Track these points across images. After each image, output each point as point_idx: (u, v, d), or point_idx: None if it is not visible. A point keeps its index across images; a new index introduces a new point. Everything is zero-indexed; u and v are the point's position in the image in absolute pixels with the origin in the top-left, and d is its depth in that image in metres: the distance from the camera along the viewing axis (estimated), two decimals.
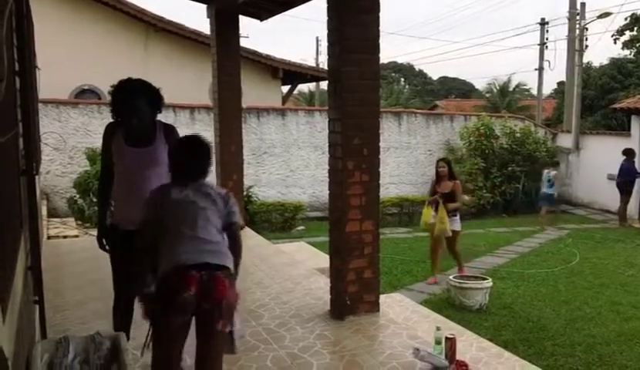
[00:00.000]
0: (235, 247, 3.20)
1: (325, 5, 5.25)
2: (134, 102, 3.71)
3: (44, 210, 10.43)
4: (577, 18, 20.56)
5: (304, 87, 33.09)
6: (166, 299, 2.91)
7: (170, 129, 3.94)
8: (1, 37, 1.75)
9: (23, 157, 3.63)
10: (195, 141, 3.34)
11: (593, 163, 16.53)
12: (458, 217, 8.47)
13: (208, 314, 2.95)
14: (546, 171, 14.52)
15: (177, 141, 3.55)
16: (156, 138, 3.83)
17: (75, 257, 7.54)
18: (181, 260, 2.96)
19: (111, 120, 3.90)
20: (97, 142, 11.93)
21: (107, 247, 3.94)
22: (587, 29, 19.79)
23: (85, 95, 15.07)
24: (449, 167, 8.41)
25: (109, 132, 3.87)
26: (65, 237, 9.45)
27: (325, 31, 5.29)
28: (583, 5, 20.57)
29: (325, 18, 5.26)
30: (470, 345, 4.68)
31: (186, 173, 3.25)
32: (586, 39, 19.67)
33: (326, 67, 5.56)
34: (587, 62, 23.07)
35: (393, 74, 47.98)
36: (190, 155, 3.28)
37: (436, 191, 8.34)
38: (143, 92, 3.77)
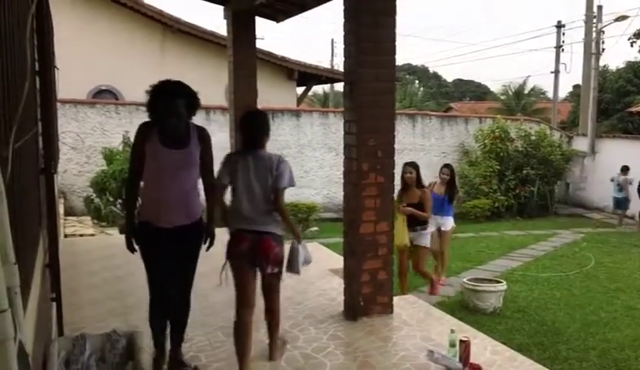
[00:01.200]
0: (278, 211, 4.07)
1: (342, 7, 5.27)
2: (174, 102, 3.70)
3: (61, 209, 10.53)
4: (594, 21, 20.42)
5: (318, 89, 33.11)
6: (230, 250, 4.06)
7: (203, 132, 3.93)
8: (25, 38, 1.78)
9: (42, 156, 3.68)
10: (251, 115, 4.30)
11: (609, 167, 16.40)
12: (428, 231, 7.41)
13: (259, 262, 4.03)
14: (615, 175, 14.68)
15: (242, 115, 4.31)
16: (191, 140, 3.82)
17: (92, 256, 7.60)
18: (240, 226, 4.05)
19: (146, 120, 3.86)
20: (114, 142, 12.15)
21: (136, 248, 3.93)
22: (603, 32, 19.67)
23: (102, 95, 15.19)
24: (417, 173, 7.37)
25: (143, 133, 3.81)
26: (81, 235, 9.54)
27: (341, 33, 5.30)
28: (600, 7, 20.44)
29: (341, 19, 5.28)
30: (484, 348, 4.66)
31: (247, 143, 4.12)
32: (602, 42, 19.54)
33: (341, 69, 5.57)
34: (604, 66, 22.97)
35: (408, 76, 47.88)
36: (249, 127, 4.15)
37: (401, 201, 7.19)
38: (182, 93, 3.76)
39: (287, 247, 4.22)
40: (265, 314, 4.33)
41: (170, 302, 3.97)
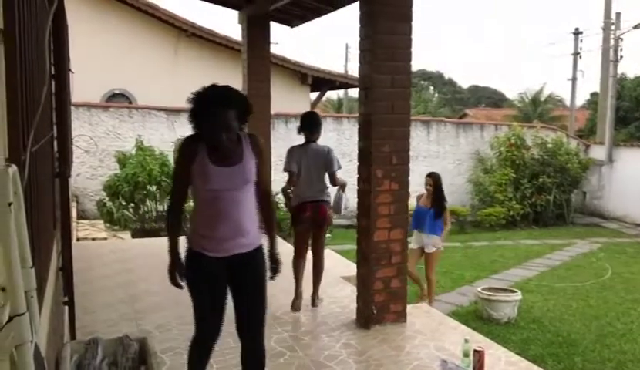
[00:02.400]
0: (335, 185, 5.73)
1: (357, 12, 5.25)
2: (224, 114, 3.13)
3: (74, 212, 10.58)
4: (612, 28, 20.28)
5: (332, 94, 33.15)
6: (296, 217, 5.64)
7: (256, 141, 3.40)
8: (44, 42, 1.78)
9: (57, 159, 3.69)
10: (306, 117, 5.85)
11: (626, 176, 16.23)
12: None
13: (317, 223, 5.64)
14: None
15: (303, 114, 5.50)
16: (244, 153, 3.27)
17: (104, 260, 7.62)
18: (303, 198, 5.60)
19: (190, 134, 3.30)
20: (127, 146, 12.20)
21: (182, 284, 3.36)
22: (622, 39, 19.50)
23: (116, 99, 15.27)
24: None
25: (189, 149, 3.22)
26: (93, 239, 9.57)
27: (355, 38, 5.29)
28: (618, 14, 20.31)
29: (356, 25, 5.26)
30: (499, 359, 4.60)
31: (307, 137, 5.66)
32: (620, 50, 19.38)
33: (355, 74, 5.59)
34: (622, 73, 22.73)
35: (422, 82, 47.79)
36: (306, 125, 5.67)
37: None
38: (233, 102, 3.19)
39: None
40: (313, 268, 5.81)
41: (215, 342, 3.47)
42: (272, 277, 3.48)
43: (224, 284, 3.35)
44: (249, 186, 3.27)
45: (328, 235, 5.90)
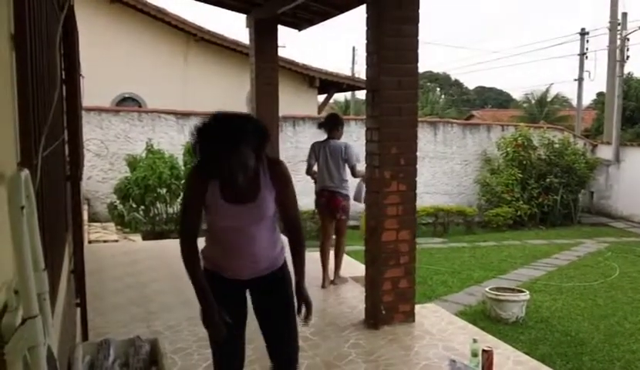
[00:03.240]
0: (354, 175, 6.54)
1: (364, 15, 5.28)
2: (238, 155, 2.70)
3: (85, 215, 10.66)
4: (619, 28, 20.19)
5: (340, 96, 33.15)
6: (316, 201, 6.60)
7: (276, 170, 2.96)
8: (55, 47, 1.81)
9: (68, 163, 3.73)
10: (328, 116, 6.94)
11: (634, 176, 16.16)
12: None
13: (331, 211, 6.45)
14: None
15: (327, 115, 6.52)
16: (261, 187, 2.90)
17: (115, 262, 7.68)
18: (322, 186, 6.47)
19: (199, 163, 2.92)
20: (137, 149, 12.26)
21: (229, 320, 2.97)
22: (628, 39, 19.41)
23: (126, 103, 15.37)
24: None
25: (199, 182, 2.88)
26: (105, 241, 9.64)
27: (362, 41, 5.32)
28: (624, 15, 20.20)
29: (363, 27, 5.29)
30: (507, 359, 4.62)
31: (327, 134, 6.51)
32: (627, 50, 19.29)
33: (362, 76, 5.61)
34: (628, 73, 22.59)
35: (429, 83, 47.71)
36: (326, 125, 6.58)
37: None
38: (248, 138, 2.72)
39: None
40: (334, 251, 6.65)
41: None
42: (305, 319, 3.06)
43: (242, 306, 3.13)
44: (266, 220, 2.96)
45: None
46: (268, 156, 2.95)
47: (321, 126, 6.69)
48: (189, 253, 2.91)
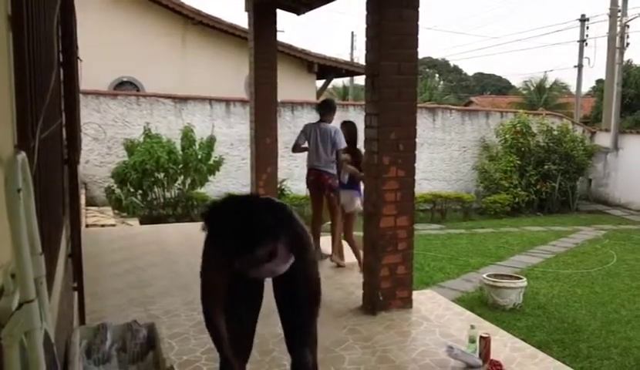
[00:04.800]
0: (337, 162, 6.64)
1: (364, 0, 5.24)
2: (256, 256, 2.52)
3: (82, 199, 10.63)
4: (619, 15, 20.10)
5: (338, 82, 33.01)
6: (306, 180, 7.01)
7: (295, 244, 2.77)
8: (52, 29, 1.78)
9: (66, 147, 3.71)
10: (321, 102, 7.34)
11: (632, 163, 16.17)
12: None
13: (319, 188, 6.82)
14: None
15: (321, 100, 6.59)
16: (276, 266, 2.81)
17: (113, 246, 7.67)
18: (311, 166, 6.86)
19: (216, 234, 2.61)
20: (135, 133, 12.23)
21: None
22: (628, 26, 19.33)
23: (124, 87, 15.30)
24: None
25: (219, 258, 2.63)
26: (102, 225, 9.62)
27: (361, 26, 5.28)
28: (625, 1, 20.10)
29: (362, 12, 5.25)
30: (504, 345, 4.63)
31: (320, 117, 6.87)
32: (627, 37, 19.22)
33: (361, 62, 5.58)
34: (628, 60, 22.53)
35: (428, 69, 47.58)
36: (320, 108, 7.09)
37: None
38: (267, 236, 2.47)
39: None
40: (331, 230, 7.00)
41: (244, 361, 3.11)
42: None
43: (258, 292, 3.10)
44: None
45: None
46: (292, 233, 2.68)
47: (317, 109, 7.20)
48: (213, 326, 2.72)
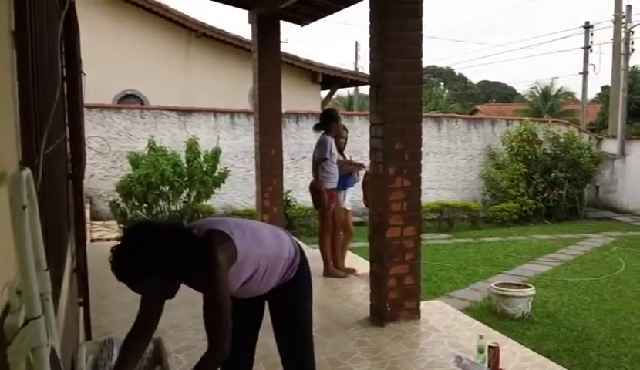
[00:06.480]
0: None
1: (367, 10, 5.24)
2: (134, 287, 2.69)
3: (87, 213, 10.64)
4: (623, 21, 20.10)
5: (343, 92, 33.10)
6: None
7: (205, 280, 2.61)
8: (56, 44, 1.78)
9: (70, 161, 3.71)
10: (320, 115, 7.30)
11: (639, 169, 16.10)
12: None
13: (314, 202, 6.93)
14: None
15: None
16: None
17: None
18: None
19: None
20: (139, 147, 12.24)
21: None
22: (633, 32, 19.35)
23: (128, 100, 15.36)
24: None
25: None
26: (107, 239, 9.63)
27: (365, 36, 5.28)
28: (629, 7, 20.11)
29: (366, 22, 5.25)
30: (513, 354, 4.59)
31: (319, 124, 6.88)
32: (632, 43, 19.22)
33: (365, 71, 5.57)
34: (633, 66, 22.54)
35: (432, 78, 47.63)
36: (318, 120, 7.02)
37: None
38: (129, 271, 2.58)
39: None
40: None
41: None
42: None
43: (253, 314, 3.06)
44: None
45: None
46: (205, 255, 2.51)
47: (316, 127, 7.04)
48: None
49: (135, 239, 2.46)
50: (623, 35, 19.59)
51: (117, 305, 5.77)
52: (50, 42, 2.31)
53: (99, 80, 12.13)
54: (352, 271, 6.97)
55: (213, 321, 2.63)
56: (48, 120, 1.94)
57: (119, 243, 2.49)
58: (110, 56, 14.23)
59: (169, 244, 2.39)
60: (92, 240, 9.23)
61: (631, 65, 20.04)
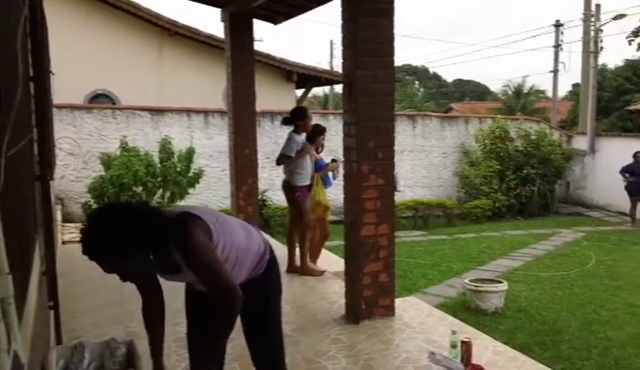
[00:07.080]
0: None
1: (340, 9, 5.24)
2: (103, 265, 2.70)
3: (58, 215, 10.49)
4: (592, 19, 20.40)
5: (318, 90, 33.11)
6: None
7: (182, 248, 2.51)
8: (16, 42, 1.75)
9: (38, 163, 3.64)
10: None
11: (608, 165, 16.38)
12: None
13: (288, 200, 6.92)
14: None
15: None
16: (180, 264, 2.58)
17: (90, 262, 7.54)
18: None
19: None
20: (111, 147, 12.11)
21: None
22: (602, 31, 19.64)
23: (99, 100, 15.17)
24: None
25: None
26: (79, 241, 9.50)
27: (340, 35, 5.27)
28: (598, 6, 20.40)
29: (340, 21, 5.25)
30: (486, 349, 4.63)
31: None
32: (601, 41, 19.51)
33: (340, 70, 5.56)
34: (602, 64, 22.95)
35: (407, 76, 47.85)
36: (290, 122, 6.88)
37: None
38: (98, 249, 2.59)
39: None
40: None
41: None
42: None
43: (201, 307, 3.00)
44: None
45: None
46: (179, 231, 2.49)
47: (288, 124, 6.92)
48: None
49: (109, 220, 2.50)
50: (592, 33, 19.88)
51: (89, 308, 5.70)
52: (12, 40, 2.26)
53: (70, 80, 11.99)
54: (322, 272, 6.88)
55: (212, 281, 2.58)
56: (9, 122, 1.91)
57: (90, 223, 2.54)
58: (81, 55, 14.05)
59: (145, 224, 2.42)
60: (63, 243, 9.09)
61: (600, 62, 20.34)
